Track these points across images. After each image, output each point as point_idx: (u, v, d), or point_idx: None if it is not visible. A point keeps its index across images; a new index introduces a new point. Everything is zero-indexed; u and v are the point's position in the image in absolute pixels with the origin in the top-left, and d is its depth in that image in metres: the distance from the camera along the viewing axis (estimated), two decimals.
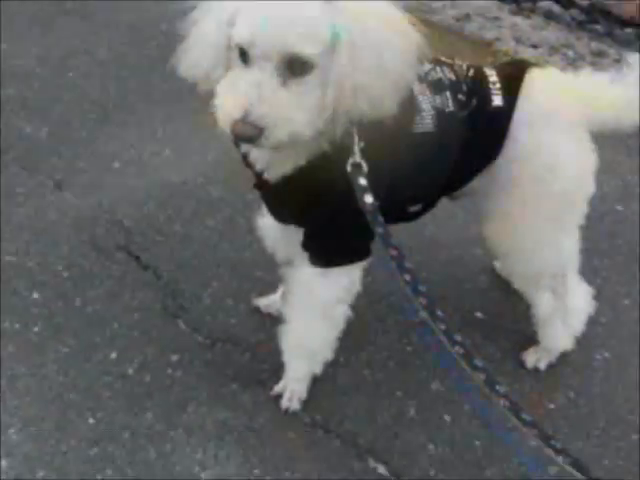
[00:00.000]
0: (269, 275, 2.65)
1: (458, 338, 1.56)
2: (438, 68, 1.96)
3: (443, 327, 1.58)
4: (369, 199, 1.69)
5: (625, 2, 5.47)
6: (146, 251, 2.73)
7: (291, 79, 1.55)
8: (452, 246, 2.83)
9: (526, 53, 4.08)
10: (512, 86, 1.96)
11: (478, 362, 1.54)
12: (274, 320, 2.47)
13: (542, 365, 2.40)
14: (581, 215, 2.08)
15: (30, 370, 2.30)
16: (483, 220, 2.18)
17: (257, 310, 2.53)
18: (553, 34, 4.38)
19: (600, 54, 4.21)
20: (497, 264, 2.73)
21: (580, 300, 2.28)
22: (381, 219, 1.69)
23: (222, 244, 2.78)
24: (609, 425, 2.31)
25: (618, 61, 4.15)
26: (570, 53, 4.17)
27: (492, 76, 1.98)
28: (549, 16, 5.20)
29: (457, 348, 1.56)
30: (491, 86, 1.96)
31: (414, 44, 1.59)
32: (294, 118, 1.55)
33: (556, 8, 5.48)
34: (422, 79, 1.92)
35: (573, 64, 4.13)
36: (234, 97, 1.56)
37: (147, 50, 3.84)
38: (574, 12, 5.52)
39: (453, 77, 1.95)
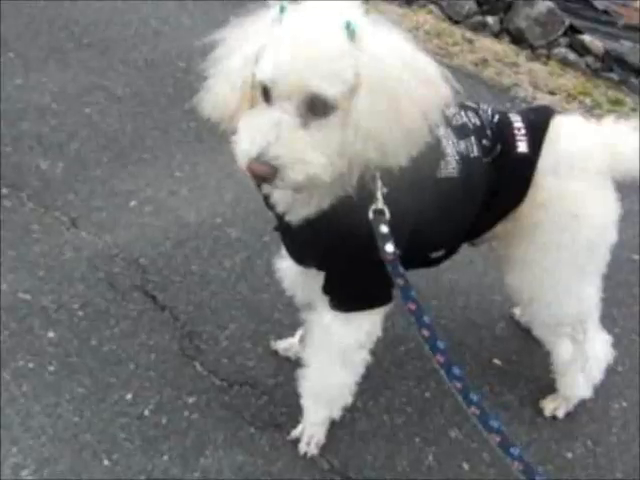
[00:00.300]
0: (287, 318, 2.64)
1: (474, 398, 1.55)
2: (463, 112, 1.96)
3: (459, 385, 1.56)
4: (390, 248, 1.68)
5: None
6: (163, 291, 2.71)
7: (312, 120, 1.53)
8: (470, 292, 2.82)
9: (544, 99, 4.10)
10: (537, 132, 1.96)
11: (494, 423, 1.52)
12: (292, 363, 2.45)
13: (560, 413, 2.38)
14: (603, 263, 2.07)
15: (45, 410, 2.27)
16: (505, 267, 2.17)
17: (275, 353, 2.51)
18: (570, 81, 4.42)
19: (617, 102, 4.24)
20: (516, 311, 2.71)
21: (599, 348, 2.27)
22: (402, 270, 1.67)
23: (240, 285, 2.76)
24: (627, 475, 2.30)
25: (635, 110, 4.20)
26: (587, 101, 4.21)
27: (517, 122, 1.98)
28: (565, 62, 5.26)
29: (473, 409, 1.54)
30: (516, 132, 1.96)
31: (437, 93, 1.57)
32: (311, 160, 1.53)
33: (572, 55, 5.55)
34: (447, 123, 1.92)
35: (590, 112, 4.16)
36: (252, 135, 1.54)
37: (165, 87, 3.86)
38: (589, 60, 5.58)
39: (478, 122, 1.95)
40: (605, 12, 6.42)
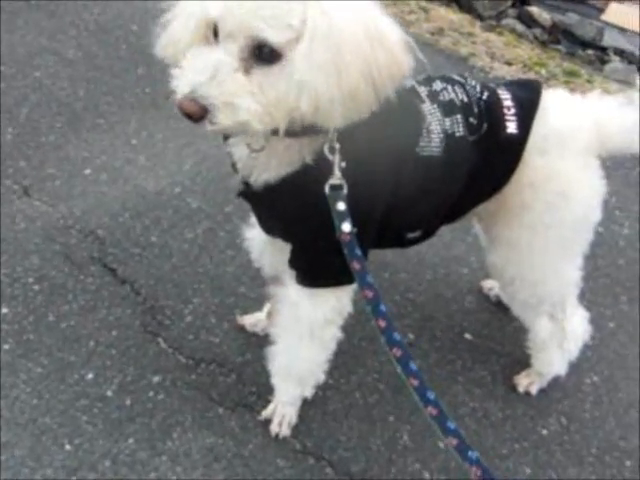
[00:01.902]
0: (253, 291, 2.55)
1: (432, 396, 1.48)
2: (450, 87, 1.87)
3: (416, 383, 1.48)
4: (347, 227, 1.60)
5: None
6: (122, 264, 2.59)
7: (255, 66, 1.43)
8: (438, 265, 2.76)
9: (501, 70, 4.04)
10: (527, 112, 1.87)
11: (451, 424, 1.45)
12: (260, 339, 2.37)
13: (534, 389, 2.36)
14: (587, 243, 2.02)
15: (0, 392, 2.14)
16: (488, 246, 2.12)
17: (242, 329, 2.41)
18: (526, 52, 4.38)
19: (572, 74, 4.21)
20: (485, 284, 2.67)
21: (577, 325, 2.24)
22: (359, 252, 1.60)
23: (202, 258, 2.65)
24: (602, 452, 2.28)
25: (590, 81, 4.18)
26: (543, 72, 4.17)
27: (507, 100, 1.88)
28: (514, 34, 5.23)
29: (430, 409, 1.47)
30: (505, 111, 1.87)
31: (393, 61, 1.45)
32: (241, 105, 1.42)
33: (520, 27, 5.53)
34: (433, 99, 1.84)
35: (546, 82, 4.12)
36: (188, 72, 1.44)
37: (118, 52, 3.69)
38: (537, 31, 5.57)
39: (465, 98, 1.86)
40: None
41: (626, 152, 1.93)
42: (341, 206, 1.60)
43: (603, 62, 4.82)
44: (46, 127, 3.16)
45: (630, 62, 4.82)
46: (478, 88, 1.89)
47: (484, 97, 1.87)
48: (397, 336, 1.52)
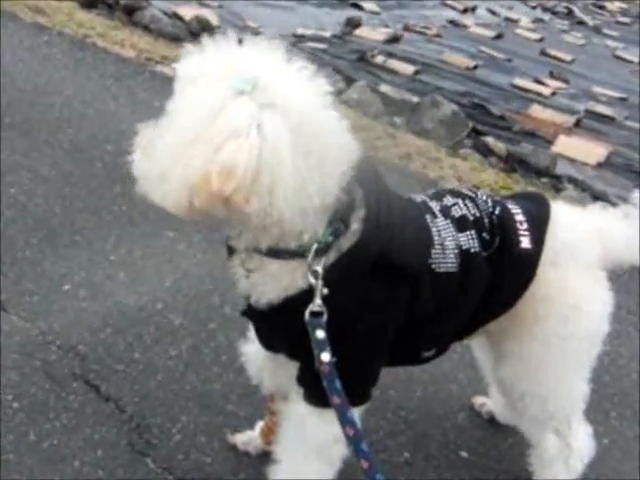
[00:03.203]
0: (242, 409, 2.49)
1: None
2: (461, 202, 1.90)
3: None
4: (326, 357, 1.59)
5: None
6: (105, 381, 2.50)
7: None
8: (427, 382, 2.74)
9: None
10: (540, 227, 1.90)
11: None
12: (253, 459, 2.29)
13: None
14: (595, 355, 2.04)
15: None
16: (496, 362, 2.11)
17: (233, 448, 2.32)
18: (491, 176, 4.56)
19: None
20: (475, 401, 2.65)
21: (583, 441, 2.21)
22: (338, 386, 1.57)
23: (188, 375, 2.58)
24: None
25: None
26: (524, 191, 4.31)
27: (518, 214, 1.91)
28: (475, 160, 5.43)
29: None
30: (518, 225, 1.89)
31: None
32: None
33: (477, 156, 5.76)
34: (445, 214, 1.87)
35: None
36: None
37: (93, 169, 3.70)
38: (493, 160, 5.80)
39: (477, 213, 1.88)
40: (501, 117, 6.78)
41: (628, 264, 1.99)
42: (320, 334, 1.60)
43: (558, 190, 5.03)
44: (22, 242, 3.10)
45: (583, 190, 5.04)
46: (490, 203, 1.91)
47: (496, 212, 1.89)
48: (380, 478, 1.48)
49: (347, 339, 1.65)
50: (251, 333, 2.03)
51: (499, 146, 5.92)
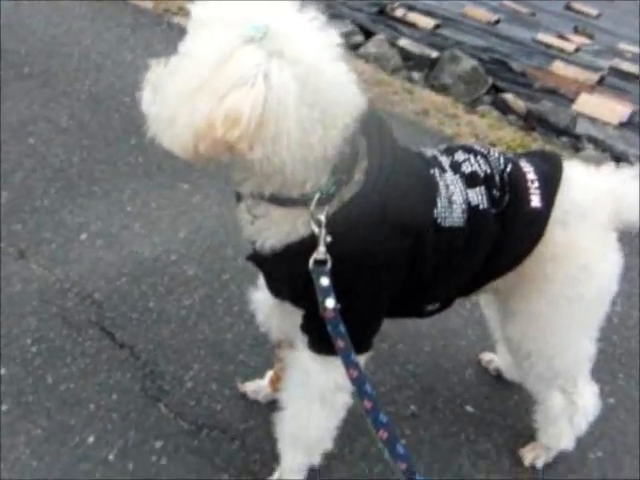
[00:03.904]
0: (252, 359, 2.54)
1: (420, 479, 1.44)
2: (472, 158, 1.89)
3: (404, 467, 1.45)
4: (330, 303, 1.60)
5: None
6: (120, 328, 2.56)
7: None
8: (435, 337, 2.78)
9: None
10: (551, 186, 1.89)
11: None
12: (262, 407, 2.35)
13: (539, 463, 2.34)
14: (603, 315, 2.04)
15: (0, 453, 2.08)
16: (504, 319, 2.12)
17: (243, 396, 2.39)
18: (509, 134, 4.52)
19: None
20: (483, 357, 2.69)
21: (588, 400, 2.22)
22: (343, 330, 1.59)
23: (201, 324, 2.64)
24: None
25: None
26: (538, 149, 4.29)
27: (530, 173, 1.90)
28: (493, 117, 5.39)
29: None
30: (529, 184, 1.88)
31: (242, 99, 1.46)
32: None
33: (496, 113, 5.71)
34: (455, 169, 1.87)
35: None
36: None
37: (110, 121, 3.73)
38: (512, 118, 5.76)
39: (488, 170, 1.87)
40: (522, 74, 6.70)
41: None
42: (324, 281, 1.62)
43: (577, 149, 4.99)
44: (41, 192, 3.16)
45: (603, 150, 5.00)
46: (502, 160, 1.91)
47: (508, 169, 1.89)
48: (383, 418, 1.49)
49: (348, 288, 1.67)
50: (260, 281, 2.06)
51: (518, 103, 5.87)
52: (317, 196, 1.63)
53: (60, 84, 3.97)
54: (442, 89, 5.82)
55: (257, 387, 2.40)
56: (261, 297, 2.15)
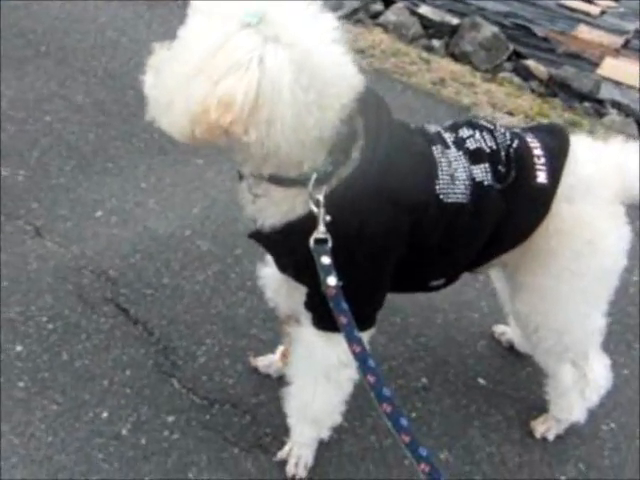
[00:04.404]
0: (265, 333, 2.56)
1: (424, 453, 1.44)
2: (478, 134, 1.88)
3: (407, 439, 1.46)
4: (332, 281, 1.61)
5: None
6: (135, 304, 2.60)
7: None
8: (448, 309, 2.78)
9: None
10: (557, 161, 1.88)
11: None
12: (273, 381, 2.38)
13: (551, 435, 2.34)
14: (612, 289, 2.03)
15: (15, 429, 2.14)
16: (512, 293, 2.12)
17: (255, 370, 2.42)
18: (527, 102, 4.47)
19: (575, 124, 4.30)
20: (496, 329, 2.69)
21: (600, 373, 2.22)
22: (345, 306, 1.60)
23: (214, 300, 2.67)
24: None
25: (592, 132, 4.27)
26: (545, 122, 4.24)
27: (536, 148, 1.89)
28: (512, 85, 5.33)
29: (422, 466, 1.43)
30: (536, 160, 1.87)
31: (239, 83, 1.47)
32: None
33: (517, 80, 5.64)
34: (459, 146, 1.86)
35: None
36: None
37: (125, 98, 3.74)
38: (534, 84, 5.69)
39: (494, 145, 1.86)
40: (545, 39, 6.59)
41: None
42: (326, 260, 1.63)
43: (601, 115, 4.92)
44: (57, 170, 3.19)
45: (627, 115, 4.93)
46: (508, 135, 1.89)
47: (514, 145, 1.87)
48: (387, 392, 1.50)
49: (348, 265, 1.68)
50: (269, 256, 2.07)
51: (540, 69, 5.79)
52: (314, 176, 1.64)
53: (77, 62, 3.99)
54: (463, 57, 5.75)
55: (268, 361, 2.43)
56: (269, 273, 2.17)
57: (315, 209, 1.64)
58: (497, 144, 1.88)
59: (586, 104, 5.36)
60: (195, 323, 2.57)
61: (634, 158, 1.93)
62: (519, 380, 2.54)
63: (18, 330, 2.43)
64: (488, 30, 5.95)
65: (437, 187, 1.79)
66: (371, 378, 1.51)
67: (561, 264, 1.93)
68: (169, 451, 2.15)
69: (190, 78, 1.49)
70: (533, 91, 5.55)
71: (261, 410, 2.31)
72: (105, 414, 2.22)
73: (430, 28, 6.14)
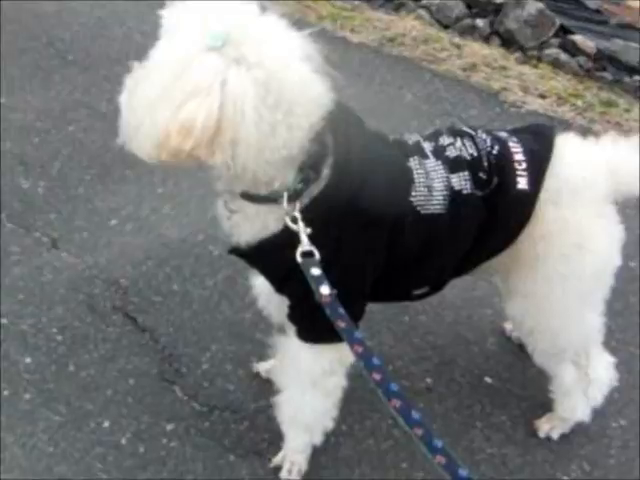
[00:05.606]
0: (269, 338, 2.55)
1: (439, 444, 1.42)
2: (459, 142, 1.87)
3: (420, 432, 1.44)
4: (325, 290, 1.61)
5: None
6: (143, 313, 2.65)
7: None
8: (460, 306, 2.74)
9: (534, 104, 4.02)
10: (539, 166, 1.85)
11: (462, 471, 1.38)
12: (274, 386, 2.38)
13: (555, 434, 2.30)
14: (607, 289, 1.99)
15: (19, 440, 2.22)
16: (504, 297, 2.11)
17: (257, 375, 2.44)
18: (561, 84, 4.34)
19: (609, 103, 4.16)
20: (507, 326, 2.65)
21: (602, 371, 2.18)
22: (342, 311, 1.60)
23: (222, 305, 2.70)
24: None
25: (628, 110, 4.12)
26: (579, 103, 4.12)
27: (518, 153, 1.86)
28: (556, 64, 5.18)
29: (439, 458, 1.40)
30: (516, 165, 1.84)
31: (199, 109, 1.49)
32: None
33: (563, 56, 5.47)
34: (438, 155, 1.85)
35: (582, 114, 4.07)
36: None
37: None
38: (582, 60, 5.51)
39: (475, 152, 1.85)
40: (597, 11, 6.36)
41: None
42: (315, 271, 1.63)
43: None
44: (76, 180, 3.26)
45: None
46: (489, 142, 1.88)
47: (494, 151, 1.86)
48: (394, 387, 1.50)
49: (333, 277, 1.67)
50: None
51: (588, 44, 5.61)
52: (286, 194, 1.66)
53: (102, 68, 4.05)
54: (508, 35, 5.62)
55: (270, 366, 2.44)
56: (261, 282, 2.19)
57: (293, 225, 1.66)
58: (478, 150, 1.86)
59: (636, 77, 5.18)
60: (202, 329, 2.61)
61: (628, 154, 1.88)
62: (527, 378, 2.49)
63: (29, 342, 2.51)
64: (533, 6, 5.78)
65: (413, 199, 1.79)
66: (377, 375, 1.51)
67: (550, 268, 1.90)
68: (166, 459, 2.19)
69: (155, 102, 1.51)
70: (581, 67, 5.39)
71: (259, 416, 2.33)
72: (106, 424, 2.28)
73: (475, 7, 6.03)
